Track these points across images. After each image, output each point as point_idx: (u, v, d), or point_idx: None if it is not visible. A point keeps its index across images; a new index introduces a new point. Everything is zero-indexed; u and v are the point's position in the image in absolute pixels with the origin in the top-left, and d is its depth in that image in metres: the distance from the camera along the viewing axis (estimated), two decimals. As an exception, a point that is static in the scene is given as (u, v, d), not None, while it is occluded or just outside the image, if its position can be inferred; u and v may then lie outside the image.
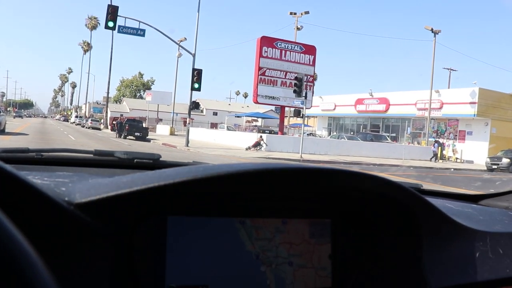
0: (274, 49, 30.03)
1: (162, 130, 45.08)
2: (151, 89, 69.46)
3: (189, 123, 26.67)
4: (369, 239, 0.99)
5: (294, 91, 24.35)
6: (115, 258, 0.75)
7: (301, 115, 25.02)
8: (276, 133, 49.47)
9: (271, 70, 29.94)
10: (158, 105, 50.31)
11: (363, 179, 0.83)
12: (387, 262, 0.96)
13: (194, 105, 25.86)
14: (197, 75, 25.43)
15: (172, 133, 43.36)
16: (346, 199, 0.95)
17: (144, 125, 34.89)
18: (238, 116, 68.98)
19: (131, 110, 71.26)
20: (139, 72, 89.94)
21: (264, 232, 0.91)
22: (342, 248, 1.00)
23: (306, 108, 25.74)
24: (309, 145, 26.70)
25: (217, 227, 0.88)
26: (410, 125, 43.08)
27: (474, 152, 36.21)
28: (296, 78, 24.30)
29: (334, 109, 50.31)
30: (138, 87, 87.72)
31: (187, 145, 25.83)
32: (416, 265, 0.92)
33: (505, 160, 30.48)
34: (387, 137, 35.57)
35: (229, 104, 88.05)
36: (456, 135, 39.10)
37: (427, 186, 1.94)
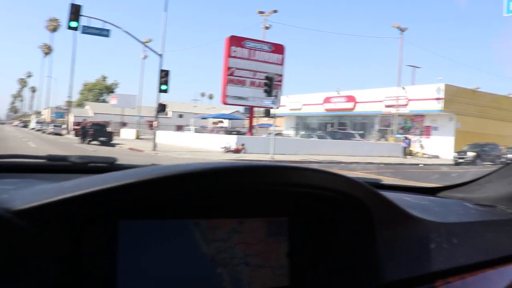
0: (242, 49, 29.49)
1: (127, 134, 43.75)
2: (114, 92, 67.81)
3: (156, 126, 25.75)
4: (326, 235, 0.97)
5: (265, 91, 23.82)
6: (58, 266, 0.71)
7: (271, 115, 24.50)
8: (244, 134, 49.17)
9: (239, 70, 29.39)
10: (123, 108, 48.97)
11: (310, 174, 0.81)
12: (343, 258, 0.94)
13: (161, 108, 24.97)
14: (164, 76, 24.59)
15: (137, 137, 42.15)
16: (302, 197, 0.91)
17: (109, 129, 33.68)
18: (204, 118, 68.05)
19: (95, 115, 69.34)
20: (102, 75, 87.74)
21: (219, 232, 0.88)
22: (300, 246, 0.97)
23: (275, 108, 25.30)
24: (280, 145, 26.25)
25: (171, 229, 0.85)
26: (377, 122, 43.38)
27: (440, 147, 36.67)
28: (266, 78, 23.75)
29: (301, 108, 50.12)
30: (101, 91, 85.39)
31: (154, 149, 24.93)
32: (371, 259, 0.90)
33: (471, 154, 30.94)
34: (356, 135, 35.50)
35: (195, 106, 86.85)
36: (422, 131, 39.52)
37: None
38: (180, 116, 78.07)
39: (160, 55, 25.22)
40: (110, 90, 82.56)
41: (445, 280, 1.00)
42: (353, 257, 0.95)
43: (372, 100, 42.19)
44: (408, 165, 25.94)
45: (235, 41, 29.30)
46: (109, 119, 53.95)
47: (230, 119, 63.83)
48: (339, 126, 48.61)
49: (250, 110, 30.48)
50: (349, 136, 33.89)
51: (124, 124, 48.69)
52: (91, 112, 71.60)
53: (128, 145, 29.55)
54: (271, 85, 23.71)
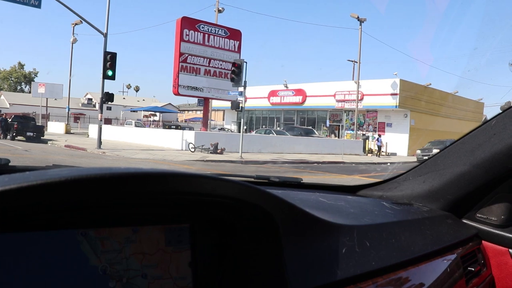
0: (196, 33, 25.52)
1: (55, 128, 37.91)
2: (33, 81, 60.34)
3: (101, 120, 21.21)
4: (230, 242, 0.91)
5: (232, 79, 20.26)
6: None
7: (240, 108, 20.93)
8: (184, 128, 44.97)
9: (193, 57, 25.42)
10: (47, 99, 42.78)
11: (200, 181, 0.76)
12: (249, 267, 0.89)
13: (108, 97, 20.48)
14: (110, 59, 20.09)
15: (67, 131, 36.66)
16: (200, 203, 0.85)
17: (37, 122, 28.30)
18: (134, 111, 62.93)
19: (11, 106, 61.50)
20: (19, 63, 78.37)
21: (111, 243, 0.80)
22: (203, 254, 0.91)
23: (238, 101, 21.81)
24: (238, 142, 22.85)
25: (54, 241, 0.75)
26: (328, 117, 41.18)
27: (395, 144, 35.06)
28: (234, 64, 20.15)
29: (245, 101, 46.67)
30: (18, 80, 76.35)
31: (99, 146, 20.42)
32: (277, 268, 0.86)
33: (435, 151, 29.24)
34: (315, 131, 32.84)
35: (124, 98, 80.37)
36: (376, 127, 37.78)
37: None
38: (109, 108, 71.64)
39: (105, 35, 20.67)
40: (29, 79, 73.90)
41: (356, 285, 0.94)
42: (259, 266, 0.88)
43: (323, 94, 39.83)
44: (378, 164, 23.58)
45: (188, 23, 25.24)
46: (30, 110, 47.51)
47: (162, 112, 59.29)
48: (285, 121, 45.99)
49: (205, 102, 26.58)
50: (308, 133, 31.10)
51: (47, 117, 42.49)
52: (6, 103, 63.42)
53: (61, 141, 24.55)
54: (239, 73, 20.16)
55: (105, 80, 20.33)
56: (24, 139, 24.59)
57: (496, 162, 1.26)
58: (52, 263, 0.74)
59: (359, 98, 37.60)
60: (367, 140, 33.20)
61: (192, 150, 21.71)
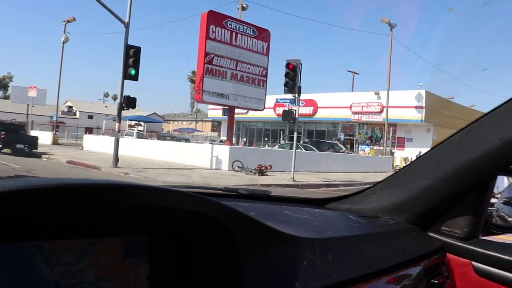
0: (224, 30, 21.15)
1: (40, 138, 32.54)
2: (8, 87, 54.27)
3: (118, 130, 16.54)
4: (189, 257, 0.88)
5: (286, 85, 16.00)
6: None
7: (293, 118, 16.68)
8: (180, 140, 40.30)
9: (219, 58, 21.00)
10: (28, 105, 37.27)
11: (152, 193, 0.74)
12: (207, 281, 0.87)
13: (128, 103, 15.89)
14: (133, 55, 15.58)
15: (55, 142, 31.53)
16: (160, 215, 0.82)
17: (28, 132, 23.23)
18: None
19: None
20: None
21: (66, 255, 0.77)
22: (162, 267, 0.88)
23: (294, 109, 17.61)
24: (272, 159, 18.55)
25: (4, 255, 0.71)
26: (340, 130, 37.35)
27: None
28: (288, 66, 15.90)
29: (247, 112, 42.17)
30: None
31: (116, 164, 15.75)
32: (235, 281, 0.84)
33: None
34: (340, 145, 28.87)
35: (106, 107, 74.74)
36: (394, 142, 34.16)
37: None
38: (90, 117, 66.05)
39: (126, 25, 16.10)
40: (2, 84, 67.37)
41: None
42: (217, 281, 0.85)
43: (336, 105, 36.05)
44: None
45: (215, 18, 20.89)
46: (6, 118, 41.91)
47: (148, 121, 54.32)
48: (289, 134, 41.94)
49: (230, 112, 22.17)
50: (335, 148, 27.10)
51: (28, 125, 36.92)
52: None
53: (58, 155, 19.65)
54: (294, 77, 15.97)
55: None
56: (10, 151, 19.61)
57: (459, 176, 1.25)
58: (4, 277, 0.69)
59: (379, 110, 33.98)
60: (393, 157, 29.51)
61: (238, 170, 17.31)
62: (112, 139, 28.26)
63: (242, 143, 42.81)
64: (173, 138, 40.73)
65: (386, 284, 1.08)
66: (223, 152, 18.36)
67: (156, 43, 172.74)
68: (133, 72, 15.42)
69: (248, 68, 22.28)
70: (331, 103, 36.35)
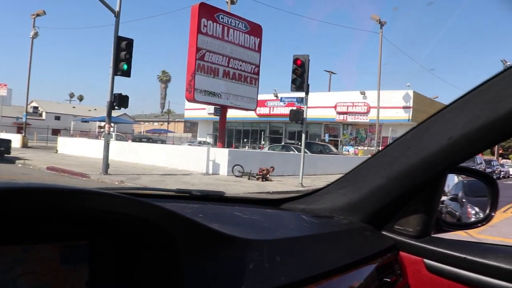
0: (215, 24, 19.53)
1: (7, 140, 29.84)
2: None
3: (108, 132, 14.62)
4: (130, 261, 0.84)
5: (293, 82, 14.54)
6: None
7: (301, 119, 15.24)
8: (156, 141, 38.22)
9: (211, 54, 19.38)
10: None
11: (83, 196, 0.71)
12: (149, 285, 0.83)
13: (120, 101, 13.98)
14: (126, 48, 13.76)
15: (25, 145, 28.99)
16: (97, 219, 0.79)
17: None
18: (86, 121, 54.88)
19: None
20: None
21: None
22: (103, 272, 0.83)
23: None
24: (268, 162, 17.06)
25: None
26: (323, 131, 36.26)
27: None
28: (296, 61, 14.44)
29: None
30: None
31: (106, 171, 13.87)
32: (177, 285, 0.80)
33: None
34: (331, 147, 27.68)
35: (74, 107, 71.17)
36: (379, 142, 33.33)
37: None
38: (57, 118, 62.60)
39: (117, 14, 14.23)
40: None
41: None
42: (158, 284, 0.82)
43: (320, 105, 34.89)
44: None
45: (206, 11, 19.22)
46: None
47: (119, 122, 51.80)
48: (270, 135, 40.61)
49: (222, 111, 20.54)
50: (327, 149, 25.89)
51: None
52: None
53: (34, 160, 17.49)
54: (303, 74, 14.53)
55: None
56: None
57: (410, 174, 1.26)
58: None
59: (365, 110, 33.08)
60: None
61: (239, 174, 15.70)
62: (89, 142, 26.18)
63: (219, 145, 41.21)
64: (149, 140, 38.61)
65: (337, 284, 1.05)
66: (222, 155, 16.74)
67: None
68: (125, 67, 13.61)
69: (240, 65, 20.77)
70: (315, 103, 35.03)
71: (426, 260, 1.29)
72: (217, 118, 42.92)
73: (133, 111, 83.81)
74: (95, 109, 71.07)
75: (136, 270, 0.83)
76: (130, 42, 13.75)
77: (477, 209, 1.52)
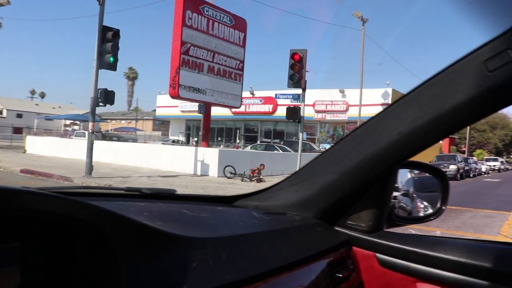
0: (200, 17, 18.43)
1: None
2: None
3: (92, 132, 13.32)
4: (64, 261, 0.80)
5: (291, 78, 13.72)
6: None
7: (299, 118, 14.42)
8: (127, 140, 36.60)
9: (196, 48, 18.28)
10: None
11: (4, 195, 0.67)
12: (85, 286, 0.79)
13: (106, 97, 12.69)
14: (112, 39, 12.52)
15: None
16: (30, 218, 0.75)
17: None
18: (50, 119, 52.32)
19: None
20: None
21: None
22: (36, 275, 0.79)
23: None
24: (257, 162, 16.16)
25: None
26: (300, 129, 35.62)
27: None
28: (294, 56, 13.60)
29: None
30: None
31: (90, 173, 12.61)
32: (115, 285, 0.77)
33: (453, 167, 25.15)
34: (314, 146, 27.01)
35: (37, 105, 67.83)
36: (357, 141, 33.08)
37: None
38: (19, 116, 59.45)
39: (101, 2, 12.93)
40: None
41: None
42: (95, 285, 0.79)
43: (299, 103, 34.22)
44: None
45: (191, 3, 18.05)
46: None
47: (85, 121, 49.50)
48: (246, 133, 39.69)
49: (206, 109, 19.43)
50: (309, 148, 25.25)
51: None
52: None
53: (4, 161, 15.89)
54: (301, 69, 13.72)
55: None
56: None
57: (361, 169, 1.26)
58: None
59: (344, 109, 32.71)
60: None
61: (230, 176, 14.71)
62: (62, 141, 24.47)
63: (193, 143, 39.92)
64: (120, 139, 36.90)
65: (286, 281, 1.03)
66: (211, 156, 15.72)
67: (86, 34, 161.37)
68: (111, 59, 12.36)
69: (225, 61, 19.77)
70: (293, 101, 34.51)
71: (378, 255, 1.29)
72: (190, 116, 41.89)
73: (99, 109, 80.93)
74: (60, 107, 68.17)
75: (71, 272, 0.78)
76: (116, 32, 12.53)
77: (426, 203, 1.53)
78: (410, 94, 1.14)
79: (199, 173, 15.70)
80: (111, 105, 12.84)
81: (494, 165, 42.41)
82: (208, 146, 20.20)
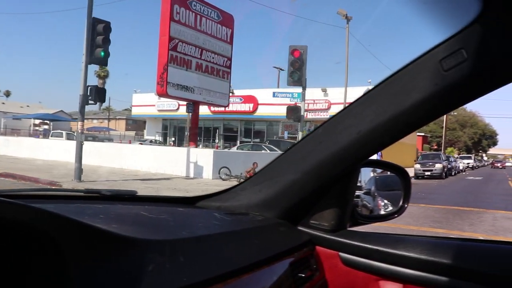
0: (188, 12, 17.66)
1: None
2: None
3: (81, 132, 12.23)
4: (19, 270, 0.77)
5: (291, 75, 13.09)
6: None
7: (299, 116, 13.80)
8: (102, 140, 35.23)
9: (184, 44, 17.48)
10: None
11: None
12: None
13: (97, 94, 11.65)
14: (103, 32, 11.56)
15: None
16: None
17: None
18: (18, 119, 49.99)
19: None
20: None
21: None
22: None
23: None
24: (250, 163, 15.52)
25: None
26: (280, 129, 35.08)
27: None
28: (293, 53, 12.95)
29: (178, 109, 38.06)
30: None
31: (80, 178, 11.60)
32: None
33: (439, 166, 25.11)
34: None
35: (3, 103, 64.70)
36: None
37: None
38: (-17, 115, 56.50)
39: (89, -9, 11.92)
40: None
41: None
42: None
43: (279, 102, 33.67)
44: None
45: (179, -3, 17.21)
46: None
47: (55, 120, 47.70)
48: (225, 133, 38.88)
49: (194, 108, 18.56)
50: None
51: None
52: None
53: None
54: (301, 67, 13.10)
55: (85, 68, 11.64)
56: None
57: (323, 168, 1.26)
58: None
59: (326, 107, 32.39)
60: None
61: (225, 177, 13.94)
62: (39, 142, 23.02)
63: (171, 143, 38.78)
64: (95, 139, 35.44)
65: (247, 282, 1.01)
66: (205, 157, 14.91)
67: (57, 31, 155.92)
68: (102, 54, 11.41)
69: (213, 58, 19.04)
70: (273, 100, 33.93)
71: (341, 254, 1.30)
72: (167, 115, 40.65)
73: (69, 108, 78.15)
74: (28, 106, 65.35)
75: (26, 280, 0.75)
76: (108, 25, 11.58)
77: (386, 201, 1.53)
78: (370, 93, 1.14)
79: (192, 175, 14.87)
80: (102, 103, 11.85)
81: (468, 163, 43.16)
82: (196, 146, 19.39)
